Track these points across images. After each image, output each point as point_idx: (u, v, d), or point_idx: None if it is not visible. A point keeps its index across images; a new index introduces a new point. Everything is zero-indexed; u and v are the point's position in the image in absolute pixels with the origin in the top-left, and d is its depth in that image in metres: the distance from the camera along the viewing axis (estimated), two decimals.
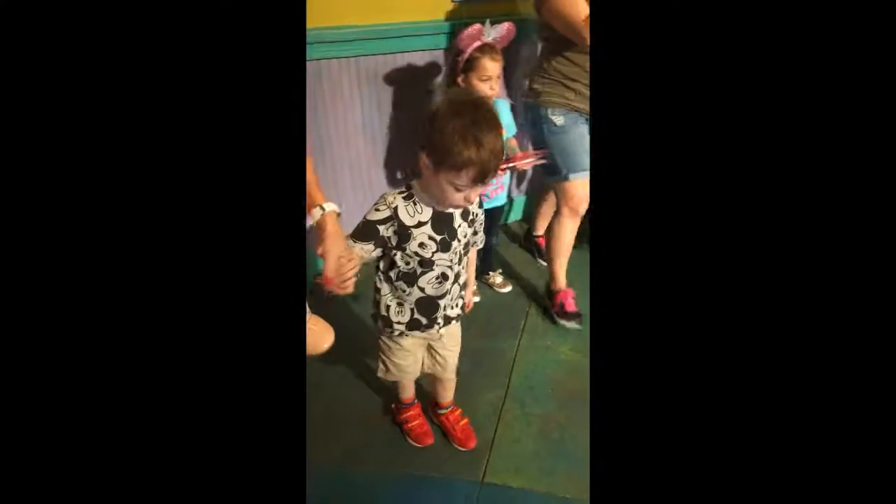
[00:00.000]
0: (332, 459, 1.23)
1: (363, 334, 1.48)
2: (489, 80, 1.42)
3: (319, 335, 0.85)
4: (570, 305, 1.62)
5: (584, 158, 1.47)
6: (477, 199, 0.98)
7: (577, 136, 1.47)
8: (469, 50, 1.40)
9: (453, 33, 1.72)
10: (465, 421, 1.30)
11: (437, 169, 0.84)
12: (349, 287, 0.85)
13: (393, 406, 1.33)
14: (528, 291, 1.84)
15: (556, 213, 1.59)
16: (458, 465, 1.24)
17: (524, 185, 2.25)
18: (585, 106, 1.43)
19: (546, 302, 1.69)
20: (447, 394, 1.28)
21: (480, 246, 1.09)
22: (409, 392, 1.28)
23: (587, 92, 1.39)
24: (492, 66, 1.40)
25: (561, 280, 1.65)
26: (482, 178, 0.83)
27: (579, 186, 1.50)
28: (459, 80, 1.44)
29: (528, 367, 1.53)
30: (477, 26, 1.39)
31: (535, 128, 1.51)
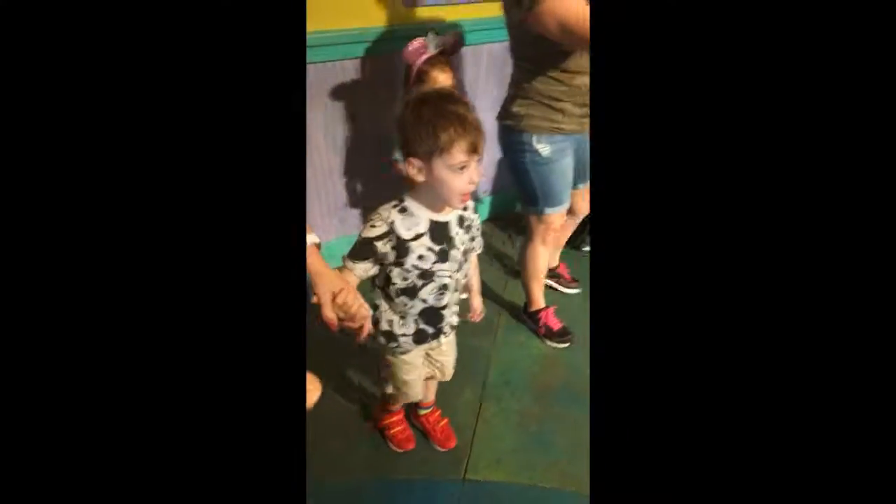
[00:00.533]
0: (312, 471, 1.21)
1: (339, 342, 1.47)
2: None
3: (308, 385, 0.81)
4: (556, 323, 1.61)
5: (565, 193, 1.42)
6: (471, 204, 0.98)
7: (562, 170, 1.38)
8: (417, 64, 1.39)
9: (406, 37, 1.74)
10: (445, 421, 1.30)
11: (431, 161, 0.83)
12: (365, 317, 0.80)
13: (374, 413, 1.32)
14: (498, 291, 1.86)
15: (528, 239, 1.53)
16: (440, 465, 1.24)
17: (489, 185, 2.28)
18: (575, 126, 1.33)
19: (529, 324, 1.67)
20: (430, 394, 1.28)
21: (479, 251, 1.08)
22: (400, 403, 1.26)
23: (577, 111, 1.30)
24: (442, 78, 1.39)
25: (539, 300, 1.63)
26: (475, 148, 0.83)
27: (555, 219, 1.46)
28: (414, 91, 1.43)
29: (505, 363, 1.54)
30: (420, 40, 1.39)
31: (514, 154, 1.38)
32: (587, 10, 1.11)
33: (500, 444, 1.29)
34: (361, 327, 0.82)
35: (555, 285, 1.84)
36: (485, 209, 2.32)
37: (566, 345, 1.60)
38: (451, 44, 1.45)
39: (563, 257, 1.87)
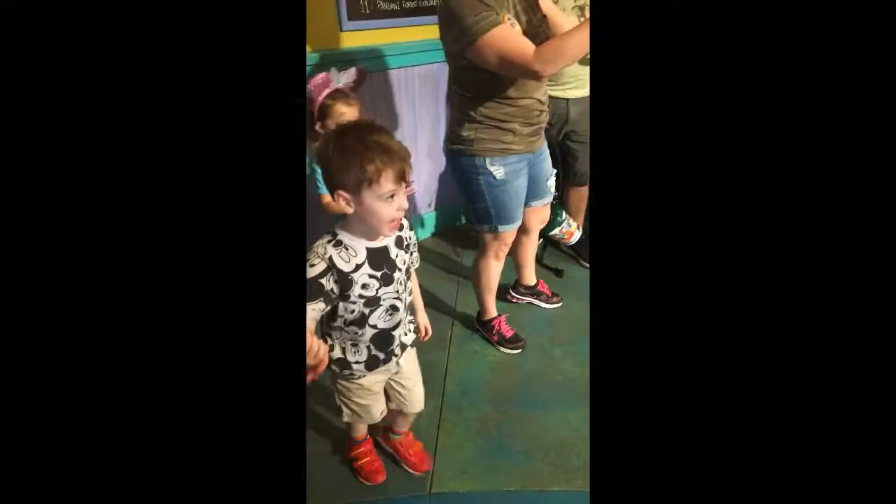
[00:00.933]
0: None
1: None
2: None
3: None
4: (508, 331, 1.67)
5: (519, 211, 1.46)
6: (406, 223, 0.98)
7: (516, 190, 1.41)
8: (320, 98, 1.39)
9: (344, 62, 1.76)
10: (419, 445, 1.28)
11: (359, 193, 0.83)
12: (324, 360, 0.81)
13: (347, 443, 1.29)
14: (449, 303, 1.89)
15: (481, 254, 1.57)
16: (405, 482, 1.24)
17: (433, 201, 2.33)
18: (525, 146, 1.38)
19: (483, 333, 1.71)
20: (405, 426, 1.26)
21: (417, 265, 1.08)
22: (362, 430, 1.24)
23: (526, 130, 1.36)
24: (348, 111, 1.39)
25: (492, 310, 1.68)
26: (402, 175, 0.84)
27: (508, 236, 1.51)
28: (318, 127, 1.41)
29: (460, 373, 1.57)
30: (323, 74, 1.39)
31: (466, 177, 1.40)
32: (526, 42, 1.16)
33: (463, 453, 1.31)
34: (318, 364, 0.82)
35: (537, 302, 1.87)
36: (430, 224, 2.36)
37: (519, 350, 1.65)
38: (355, 78, 1.45)
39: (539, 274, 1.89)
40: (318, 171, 1.41)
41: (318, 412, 1.43)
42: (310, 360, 0.79)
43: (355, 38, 1.82)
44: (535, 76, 1.18)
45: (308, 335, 0.79)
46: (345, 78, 1.43)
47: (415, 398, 1.17)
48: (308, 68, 1.70)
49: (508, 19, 1.19)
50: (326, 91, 1.39)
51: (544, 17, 1.27)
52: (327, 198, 1.43)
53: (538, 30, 1.25)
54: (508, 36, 1.16)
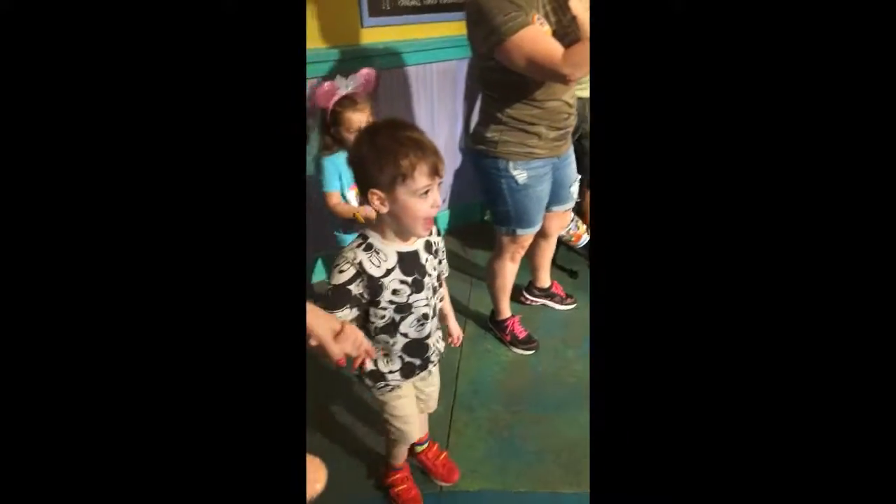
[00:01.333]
0: None
1: (344, 399, 1.43)
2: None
3: (311, 474, 0.78)
4: (521, 332, 1.66)
5: (539, 216, 1.46)
6: (435, 227, 0.97)
7: (538, 195, 1.41)
8: (329, 106, 1.39)
9: (364, 57, 1.76)
10: (444, 455, 1.26)
11: (393, 190, 0.83)
12: (370, 349, 0.80)
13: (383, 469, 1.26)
14: (462, 302, 1.89)
15: (498, 256, 1.57)
16: (416, 478, 1.24)
17: (447, 199, 2.33)
18: (550, 150, 1.36)
19: (496, 333, 1.71)
20: (423, 428, 1.23)
21: (447, 274, 1.07)
22: (401, 457, 1.20)
23: (552, 134, 1.34)
24: (357, 117, 1.38)
25: (506, 310, 1.68)
26: (436, 170, 0.83)
27: (525, 239, 1.51)
28: (331, 132, 1.42)
29: (472, 373, 1.58)
30: (328, 83, 1.39)
31: (488, 178, 1.40)
32: (555, 45, 1.15)
33: (474, 453, 1.32)
34: (360, 354, 0.81)
35: (551, 304, 1.87)
36: (443, 222, 2.36)
37: (532, 351, 1.65)
38: (364, 82, 1.43)
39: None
40: (325, 167, 1.43)
41: (359, 442, 1.44)
42: (352, 351, 0.78)
43: (376, 34, 1.83)
44: (563, 80, 1.17)
45: (349, 327, 0.77)
46: (352, 84, 1.41)
47: (433, 401, 1.17)
48: (329, 64, 1.70)
49: (538, 20, 1.17)
50: (334, 98, 1.39)
51: (574, 18, 1.26)
52: (335, 198, 1.44)
53: (567, 30, 1.23)
54: (537, 38, 1.14)
